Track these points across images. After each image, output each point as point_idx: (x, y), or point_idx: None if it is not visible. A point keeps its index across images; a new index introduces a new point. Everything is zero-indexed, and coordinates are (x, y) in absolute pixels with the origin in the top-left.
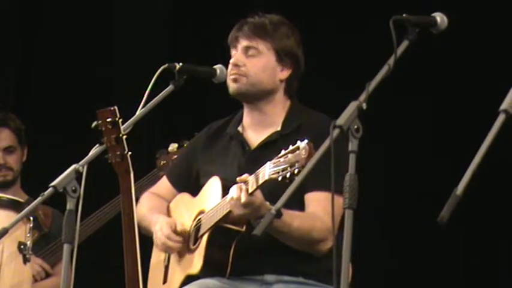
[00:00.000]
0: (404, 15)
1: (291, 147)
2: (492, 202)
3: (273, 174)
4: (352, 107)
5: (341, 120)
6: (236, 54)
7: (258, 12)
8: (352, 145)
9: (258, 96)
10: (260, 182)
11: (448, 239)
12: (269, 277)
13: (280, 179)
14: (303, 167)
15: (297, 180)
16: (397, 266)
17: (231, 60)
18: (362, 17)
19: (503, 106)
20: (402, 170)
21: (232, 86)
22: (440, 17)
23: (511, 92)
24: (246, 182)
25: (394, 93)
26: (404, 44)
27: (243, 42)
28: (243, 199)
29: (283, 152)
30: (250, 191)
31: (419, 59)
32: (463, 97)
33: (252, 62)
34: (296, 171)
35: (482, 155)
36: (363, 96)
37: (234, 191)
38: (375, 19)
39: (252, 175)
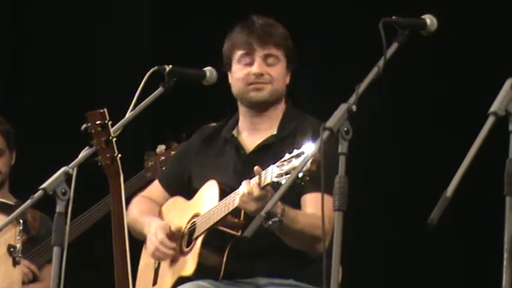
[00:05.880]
0: (394, 17)
1: (295, 151)
2: (481, 204)
3: (276, 177)
4: (342, 109)
5: (331, 123)
6: (257, 64)
7: (254, 14)
8: (342, 147)
9: (274, 103)
10: (263, 184)
11: (438, 242)
12: (260, 280)
13: (283, 182)
14: (308, 171)
15: (287, 182)
16: (387, 268)
17: (254, 69)
18: (352, 19)
19: (493, 108)
20: (391, 171)
21: (256, 95)
22: (430, 19)
23: (501, 95)
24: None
25: (383, 94)
26: (394, 46)
27: (263, 51)
28: (256, 192)
29: (287, 155)
30: (262, 185)
31: (408, 60)
32: (452, 99)
33: (273, 70)
34: (301, 175)
35: (472, 157)
36: (352, 99)
37: (244, 186)
38: (364, 21)
39: (255, 177)
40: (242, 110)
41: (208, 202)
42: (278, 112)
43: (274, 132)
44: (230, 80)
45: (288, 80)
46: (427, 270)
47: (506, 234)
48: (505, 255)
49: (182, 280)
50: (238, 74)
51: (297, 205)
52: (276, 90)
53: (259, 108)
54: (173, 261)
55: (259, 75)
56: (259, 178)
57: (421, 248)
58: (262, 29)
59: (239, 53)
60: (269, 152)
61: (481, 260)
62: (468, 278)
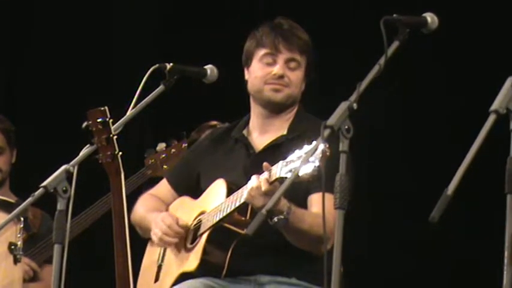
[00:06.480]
0: (394, 15)
1: (306, 148)
2: (482, 202)
3: (286, 173)
4: (343, 107)
5: (332, 121)
6: (280, 65)
7: (281, 16)
8: (343, 145)
9: (288, 107)
10: (272, 179)
11: (438, 242)
12: (262, 278)
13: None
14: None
15: (288, 180)
16: (388, 268)
17: (276, 70)
18: (352, 18)
19: (494, 106)
20: (392, 170)
21: (273, 95)
22: (430, 17)
23: (502, 93)
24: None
25: (383, 93)
26: (395, 44)
27: (287, 54)
28: (264, 187)
29: (297, 152)
30: (270, 180)
31: (409, 59)
32: (452, 98)
33: (293, 74)
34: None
35: (473, 155)
36: (353, 97)
37: (253, 180)
38: (365, 19)
39: (265, 172)
40: (255, 109)
41: (215, 200)
42: (290, 116)
43: (284, 133)
44: (247, 76)
45: (303, 87)
46: (427, 270)
47: (507, 232)
48: (506, 254)
49: (184, 276)
50: (257, 72)
51: (306, 206)
52: (291, 95)
53: (273, 109)
54: (177, 257)
55: (280, 77)
56: (268, 173)
57: (421, 247)
58: (291, 33)
59: (263, 51)
60: (278, 152)
61: (481, 260)
62: (468, 278)
